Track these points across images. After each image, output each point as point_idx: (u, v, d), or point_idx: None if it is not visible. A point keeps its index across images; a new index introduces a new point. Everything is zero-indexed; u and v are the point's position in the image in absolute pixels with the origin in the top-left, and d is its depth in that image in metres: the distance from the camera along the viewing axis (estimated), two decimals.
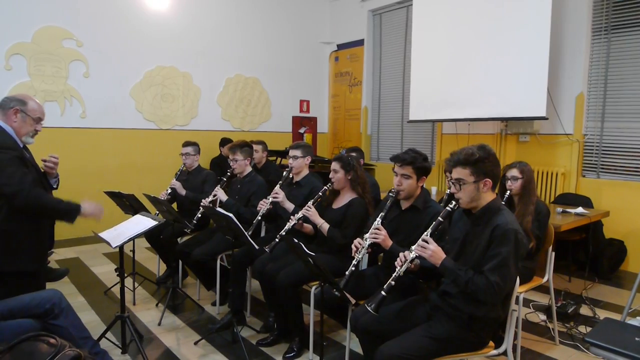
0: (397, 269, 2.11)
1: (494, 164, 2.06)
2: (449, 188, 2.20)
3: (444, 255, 2.05)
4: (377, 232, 2.46)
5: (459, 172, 2.06)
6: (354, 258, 2.47)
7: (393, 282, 2.09)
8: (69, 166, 5.70)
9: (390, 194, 2.61)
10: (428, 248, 2.05)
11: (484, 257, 1.99)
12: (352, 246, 2.52)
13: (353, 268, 2.44)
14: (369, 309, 2.04)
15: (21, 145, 2.58)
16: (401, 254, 2.15)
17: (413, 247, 2.11)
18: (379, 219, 2.53)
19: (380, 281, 2.56)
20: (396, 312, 2.25)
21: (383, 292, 2.06)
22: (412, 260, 2.11)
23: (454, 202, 2.10)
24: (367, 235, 2.49)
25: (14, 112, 2.54)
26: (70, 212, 2.60)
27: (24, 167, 2.49)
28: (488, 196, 2.07)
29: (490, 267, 1.93)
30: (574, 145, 5.22)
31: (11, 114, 2.54)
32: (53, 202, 2.59)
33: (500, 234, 1.95)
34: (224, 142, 6.46)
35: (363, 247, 2.47)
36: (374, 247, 2.57)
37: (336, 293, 2.31)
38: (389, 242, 2.48)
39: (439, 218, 2.13)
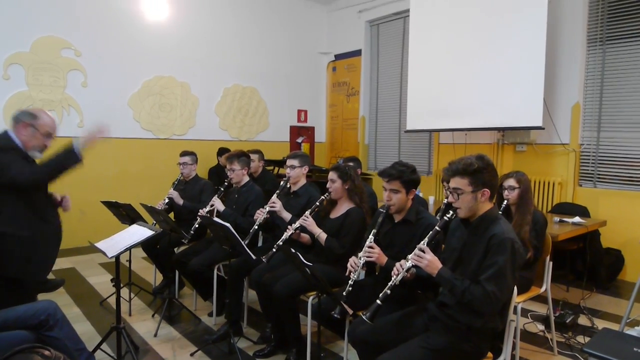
0: (393, 278, 2.11)
1: (492, 174, 2.06)
2: (447, 198, 2.21)
3: (440, 265, 2.04)
4: (370, 251, 2.45)
5: (457, 182, 2.06)
6: (349, 278, 2.46)
7: (389, 291, 2.08)
8: (66, 175, 5.69)
9: (381, 209, 2.60)
10: (424, 257, 2.05)
11: (481, 266, 1.99)
12: (348, 265, 2.50)
13: (350, 289, 2.42)
14: (364, 317, 2.03)
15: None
16: (397, 264, 2.15)
17: (409, 257, 2.10)
18: (371, 237, 2.51)
19: (377, 292, 2.55)
20: (394, 323, 2.24)
21: (378, 301, 2.05)
22: (408, 270, 2.10)
23: (451, 212, 2.11)
24: (361, 254, 2.48)
25: (24, 126, 2.61)
26: (68, 156, 2.69)
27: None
28: (485, 206, 2.08)
29: (487, 276, 1.93)
30: (571, 155, 5.24)
31: (21, 128, 2.61)
32: (50, 162, 2.66)
33: (497, 243, 1.95)
34: (222, 151, 6.47)
35: (358, 267, 2.46)
36: (370, 265, 2.56)
37: (335, 316, 2.30)
38: (384, 259, 2.47)
39: (436, 228, 2.13)
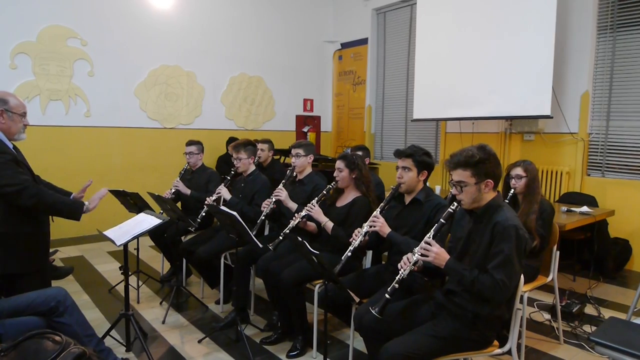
0: (400, 272, 2.10)
1: (494, 165, 2.04)
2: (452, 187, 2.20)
3: (447, 257, 2.04)
4: (375, 220, 2.54)
5: (459, 175, 2.04)
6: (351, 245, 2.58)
7: (397, 285, 2.08)
8: (74, 165, 5.73)
9: (393, 187, 2.66)
10: (431, 250, 2.04)
11: (487, 255, 1.98)
12: (354, 234, 2.59)
13: (349, 254, 2.53)
14: (373, 312, 2.04)
15: (11, 147, 2.55)
16: (404, 257, 2.14)
17: (416, 250, 2.10)
18: (378, 209, 2.61)
19: (382, 279, 2.56)
20: (400, 311, 2.25)
21: (387, 295, 2.06)
22: (415, 263, 2.10)
23: (455, 204, 2.10)
24: (365, 224, 2.57)
25: (0, 114, 2.49)
26: (75, 210, 2.63)
27: (20, 168, 2.50)
28: (489, 195, 2.06)
29: (495, 265, 1.93)
30: (579, 144, 5.19)
31: None
32: (58, 199, 2.59)
33: (501, 230, 1.94)
34: (232, 141, 6.46)
35: (360, 234, 2.55)
36: (374, 237, 2.65)
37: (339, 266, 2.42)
38: (387, 230, 2.54)
39: (441, 220, 2.12)
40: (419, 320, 2.16)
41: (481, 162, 2.00)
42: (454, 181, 2.07)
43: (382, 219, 2.55)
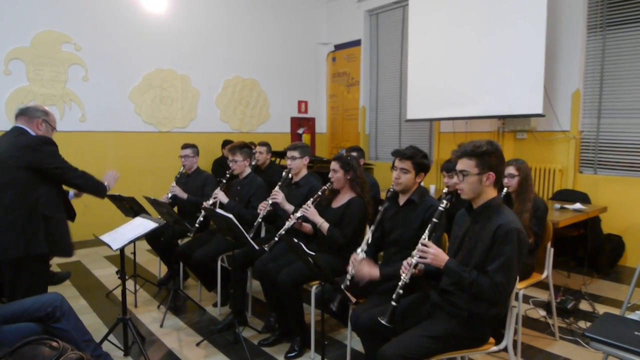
0: (402, 277, 2.11)
1: (499, 160, 2.07)
2: (447, 187, 2.22)
3: (446, 257, 2.05)
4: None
5: (464, 164, 2.07)
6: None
7: (401, 291, 2.09)
8: None
9: (388, 193, 2.67)
10: (428, 252, 2.05)
11: (488, 257, 1.99)
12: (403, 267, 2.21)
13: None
14: (383, 322, 2.04)
15: None
16: (404, 262, 2.15)
17: (414, 253, 2.11)
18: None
19: (380, 279, 2.57)
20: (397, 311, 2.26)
21: (393, 303, 2.06)
22: (415, 266, 2.11)
23: (445, 202, 2.12)
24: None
25: (41, 122, 2.78)
26: (104, 189, 3.04)
27: None
28: (490, 192, 2.08)
29: (495, 267, 1.94)
30: (571, 142, 5.23)
31: (38, 123, 2.78)
32: (93, 178, 2.96)
33: (503, 233, 1.96)
34: (226, 144, 6.48)
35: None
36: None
37: (333, 308, 2.41)
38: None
39: (434, 219, 2.13)
40: (416, 320, 2.18)
41: (487, 154, 2.03)
42: (458, 170, 2.09)
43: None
